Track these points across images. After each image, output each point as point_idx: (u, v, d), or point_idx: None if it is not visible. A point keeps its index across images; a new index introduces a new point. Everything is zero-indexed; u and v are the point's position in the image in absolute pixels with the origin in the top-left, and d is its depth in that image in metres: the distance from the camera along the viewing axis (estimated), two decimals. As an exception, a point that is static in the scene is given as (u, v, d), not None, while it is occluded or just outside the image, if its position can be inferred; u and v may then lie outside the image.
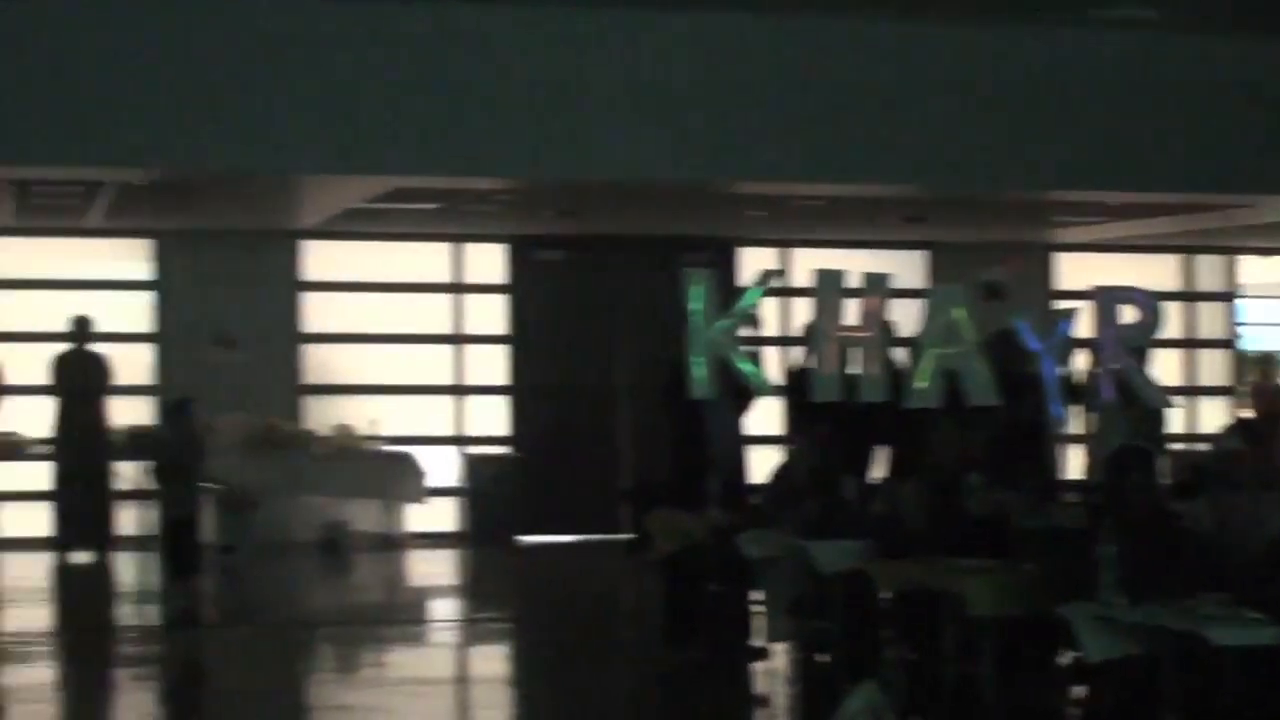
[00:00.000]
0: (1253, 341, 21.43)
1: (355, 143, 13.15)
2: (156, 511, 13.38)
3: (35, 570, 16.53)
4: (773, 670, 11.36)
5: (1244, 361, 21.18)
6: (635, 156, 13.62)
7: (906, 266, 17.92)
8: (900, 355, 9.99)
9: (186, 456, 13.44)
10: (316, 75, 13.00)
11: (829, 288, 8.96)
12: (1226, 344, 21.40)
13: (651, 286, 18.03)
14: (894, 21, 13.63)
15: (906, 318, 9.87)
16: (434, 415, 19.22)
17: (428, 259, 19.16)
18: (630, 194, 15.90)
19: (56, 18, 12.59)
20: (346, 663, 12.82)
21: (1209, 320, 21.28)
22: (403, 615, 15.09)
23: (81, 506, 16.98)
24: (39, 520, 17.41)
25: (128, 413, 17.37)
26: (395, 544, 18.01)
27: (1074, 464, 16.77)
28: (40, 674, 12.16)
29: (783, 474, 12.06)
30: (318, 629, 14.10)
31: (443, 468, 18.72)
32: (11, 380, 17.18)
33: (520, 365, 19.39)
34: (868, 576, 10.16)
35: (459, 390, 19.40)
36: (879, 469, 13.59)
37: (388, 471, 18.02)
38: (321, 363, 18.98)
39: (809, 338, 11.99)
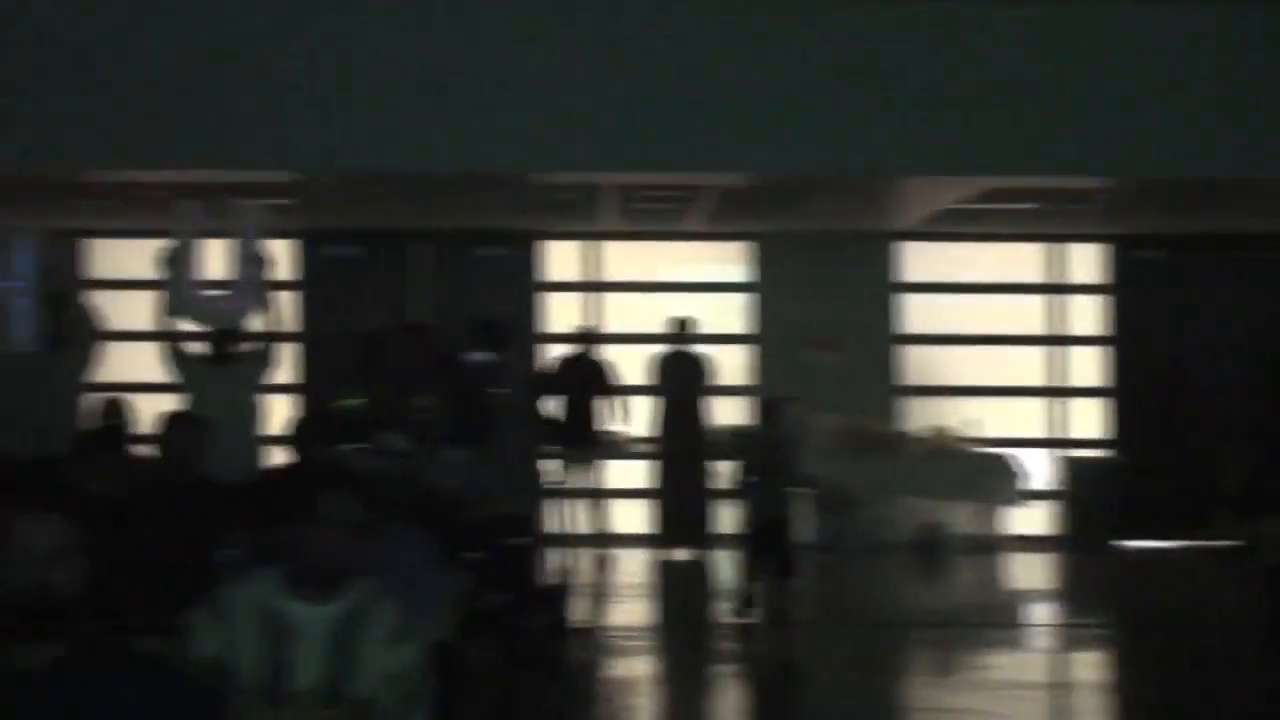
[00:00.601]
0: None
1: (951, 144, 13.11)
2: (751, 511, 13.57)
3: (639, 566, 17.02)
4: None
5: None
6: (1236, 152, 13.20)
7: None
8: None
9: (780, 457, 13.58)
10: (909, 77, 13.01)
11: None
12: None
13: (1260, 285, 17.41)
14: None
15: None
16: (1032, 417, 19.01)
17: (1024, 259, 18.96)
18: (1234, 190, 15.38)
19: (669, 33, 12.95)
20: (944, 664, 12.75)
21: None
22: (999, 618, 14.95)
23: (682, 505, 17.39)
24: (642, 517, 17.94)
25: (729, 413, 17.70)
26: (992, 547, 17.86)
27: None
28: (644, 667, 12.48)
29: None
30: (914, 630, 14.09)
31: (1040, 470, 18.50)
32: (621, 381, 17.70)
33: (1122, 367, 19.01)
34: None
35: (1057, 392, 19.14)
36: None
37: (984, 474, 17.88)
38: (918, 364, 18.99)
39: None
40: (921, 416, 18.59)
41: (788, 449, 13.63)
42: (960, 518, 18.01)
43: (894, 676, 12.43)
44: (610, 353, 17.72)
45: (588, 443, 17.35)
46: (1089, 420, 19.02)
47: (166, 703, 4.38)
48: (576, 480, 17.48)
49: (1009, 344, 18.95)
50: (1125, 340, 18.97)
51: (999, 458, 17.93)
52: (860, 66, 13.06)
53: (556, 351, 18.08)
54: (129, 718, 4.30)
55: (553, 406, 17.24)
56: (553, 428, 17.17)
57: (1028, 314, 19.02)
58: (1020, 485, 17.88)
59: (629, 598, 15.44)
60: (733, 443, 16.31)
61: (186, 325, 12.72)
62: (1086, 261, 19.03)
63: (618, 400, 17.50)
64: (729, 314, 18.85)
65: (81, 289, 15.77)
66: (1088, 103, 13.13)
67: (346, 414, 12.16)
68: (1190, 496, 18.20)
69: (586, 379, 17.37)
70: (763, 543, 13.47)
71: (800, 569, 13.75)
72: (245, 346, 12.65)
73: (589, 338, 17.69)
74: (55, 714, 4.27)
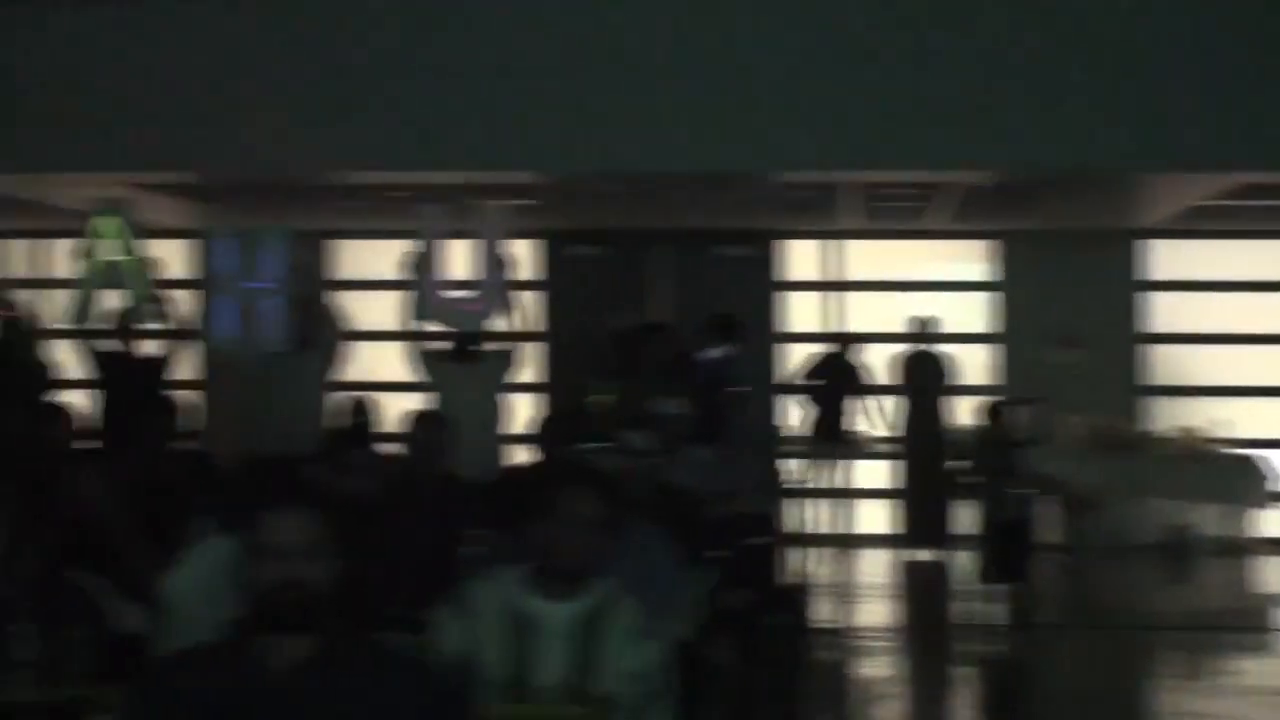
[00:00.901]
0: None
1: (1197, 141, 12.87)
2: (986, 512, 13.49)
3: (882, 566, 16.96)
4: None
5: None
6: None
7: None
8: None
9: (1008, 458, 13.49)
10: (1154, 75, 12.81)
11: None
12: None
13: None
14: None
15: None
16: (1282, 418, 18.65)
17: (1275, 256, 18.57)
18: None
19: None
20: (1191, 668, 12.56)
21: None
22: (1248, 622, 14.68)
23: (923, 505, 17.32)
24: (884, 517, 17.89)
25: (971, 413, 17.56)
26: (1241, 549, 17.54)
27: None
28: (885, 668, 12.44)
29: None
30: (1158, 633, 13.89)
31: (1291, 472, 18.14)
32: (874, 381, 17.67)
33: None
34: None
35: (1308, 392, 18.75)
36: None
37: (1233, 475, 17.54)
38: (1165, 363, 18.69)
39: None
40: (1169, 417, 18.29)
41: (1016, 450, 13.52)
42: (1208, 519, 17.72)
43: (1140, 680, 12.27)
44: (867, 354, 17.67)
45: (836, 441, 17.38)
46: (1344, 420, 18.60)
47: (416, 699, 4.44)
48: (823, 479, 17.51)
49: (1260, 343, 18.58)
50: (1379, 338, 18.55)
51: (1248, 459, 17.58)
52: (1098, 62, 12.88)
53: (799, 351, 18.08)
54: (379, 714, 4.37)
55: (805, 404, 17.32)
56: (801, 426, 17.26)
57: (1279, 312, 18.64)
58: (1270, 487, 17.53)
59: (870, 598, 15.39)
60: (971, 442, 16.23)
61: (432, 327, 12.90)
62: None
63: (870, 400, 17.51)
64: (971, 313, 18.71)
65: (326, 290, 16.05)
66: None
67: (597, 411, 12.27)
68: None
69: (840, 378, 17.39)
70: (999, 544, 13.36)
71: (1042, 570, 13.62)
72: (490, 346, 12.80)
73: (846, 337, 17.70)
74: (306, 710, 4.35)
